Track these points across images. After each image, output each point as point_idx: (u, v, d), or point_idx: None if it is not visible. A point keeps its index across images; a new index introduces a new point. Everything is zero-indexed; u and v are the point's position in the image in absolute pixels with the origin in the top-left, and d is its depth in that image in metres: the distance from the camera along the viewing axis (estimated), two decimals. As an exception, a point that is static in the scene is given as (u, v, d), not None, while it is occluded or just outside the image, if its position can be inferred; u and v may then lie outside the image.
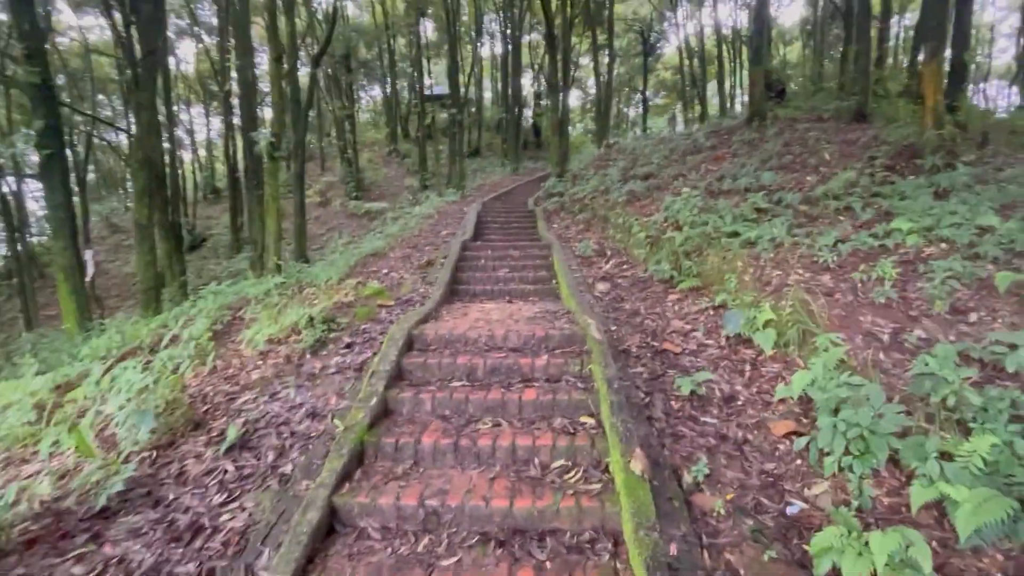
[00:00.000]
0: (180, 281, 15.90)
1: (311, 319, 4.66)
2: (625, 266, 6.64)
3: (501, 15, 28.08)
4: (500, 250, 7.66)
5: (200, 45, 22.90)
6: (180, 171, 25.85)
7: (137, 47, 9.21)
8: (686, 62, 27.74)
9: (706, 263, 5.32)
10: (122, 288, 22.45)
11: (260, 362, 4.38)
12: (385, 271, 7.38)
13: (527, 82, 34.79)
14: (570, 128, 33.07)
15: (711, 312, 4.65)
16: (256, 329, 4.79)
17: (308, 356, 4.32)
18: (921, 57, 9.12)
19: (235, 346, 4.82)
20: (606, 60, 21.30)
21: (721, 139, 11.16)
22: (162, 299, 10.76)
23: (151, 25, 8.68)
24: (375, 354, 4.11)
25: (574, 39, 21.62)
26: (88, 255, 9.58)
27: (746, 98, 28.77)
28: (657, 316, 4.81)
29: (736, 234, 5.55)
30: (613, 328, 4.55)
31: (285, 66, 9.36)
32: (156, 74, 9.33)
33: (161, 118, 14.69)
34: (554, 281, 6.31)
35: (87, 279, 9.34)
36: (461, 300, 5.87)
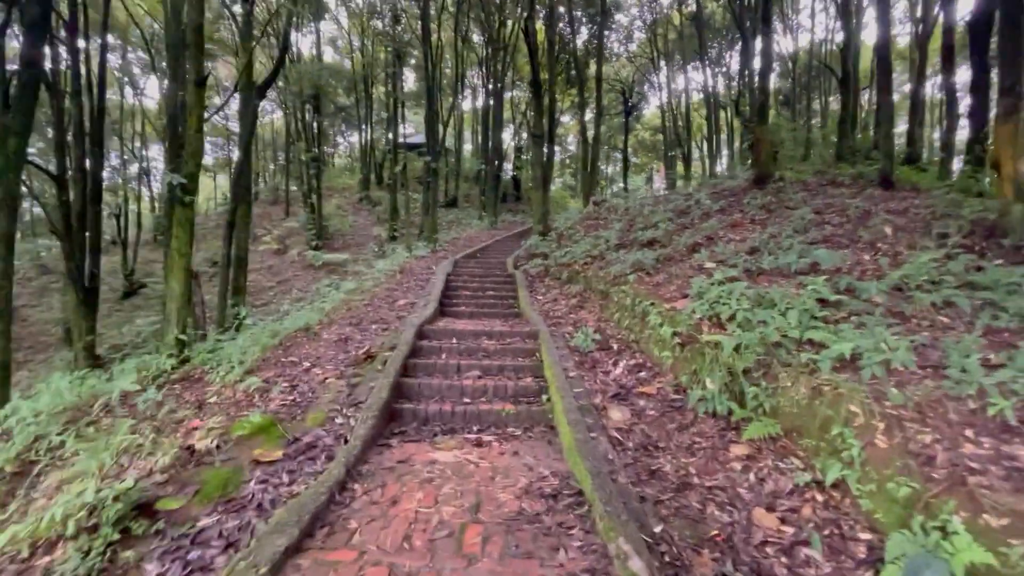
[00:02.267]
0: (86, 342, 13.25)
1: (94, 512, 2.43)
2: (643, 372, 4.74)
3: (483, 69, 27.56)
4: (469, 338, 5.68)
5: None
6: (125, 212, 23.46)
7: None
8: (668, 123, 27.51)
9: (782, 393, 3.46)
10: (37, 339, 19.48)
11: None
12: (306, 366, 5.29)
13: (507, 136, 34.31)
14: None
15: (821, 496, 2.74)
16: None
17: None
18: (993, 115, 7.90)
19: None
20: (588, 116, 20.54)
21: (729, 202, 9.73)
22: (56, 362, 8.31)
23: (34, 31, 6.84)
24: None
25: (557, 95, 20.88)
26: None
27: (725, 160, 28.60)
28: (725, 497, 2.85)
29: (817, 344, 3.75)
30: (658, 530, 2.56)
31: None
32: (36, 92, 7.40)
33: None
34: (545, 397, 4.35)
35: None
36: (403, 438, 3.78)
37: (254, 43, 11.77)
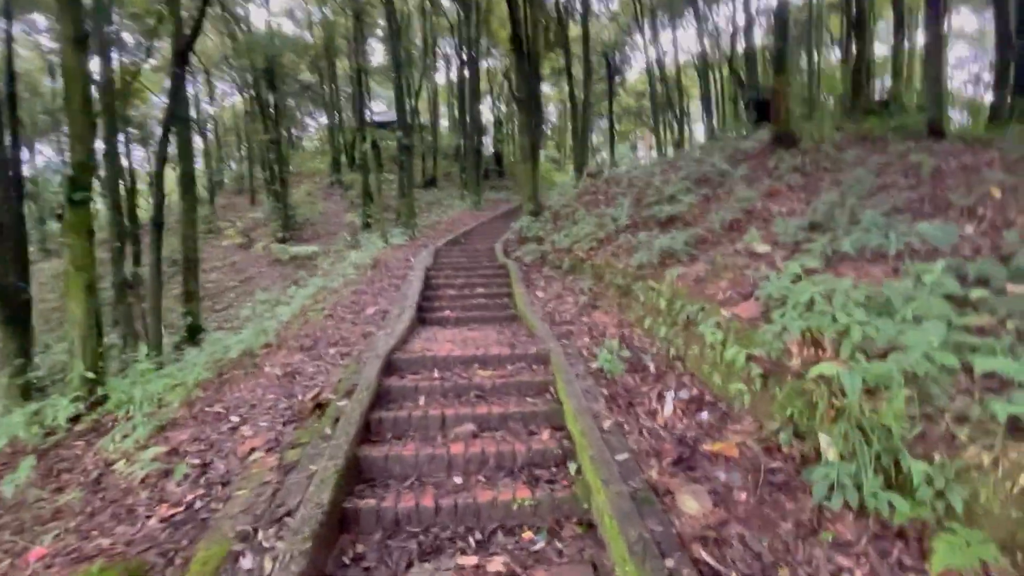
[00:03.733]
0: (14, 368, 11.58)
1: None
2: (705, 412, 3.35)
3: (456, 35, 25.40)
4: (456, 368, 4.17)
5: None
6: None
7: None
8: (656, 86, 25.73)
9: (980, 479, 2.09)
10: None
11: None
12: (233, 421, 3.81)
13: (485, 109, 32.24)
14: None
15: None
16: None
17: None
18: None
19: None
20: (569, 83, 18.72)
21: (751, 166, 8.29)
22: None
23: None
24: None
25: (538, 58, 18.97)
26: None
27: (703, 126, 26.91)
28: None
29: (992, 376, 2.39)
30: None
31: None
32: None
33: None
34: (572, 467, 2.95)
35: None
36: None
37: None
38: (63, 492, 3.76)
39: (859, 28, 13.56)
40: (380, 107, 40.92)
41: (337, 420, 3.30)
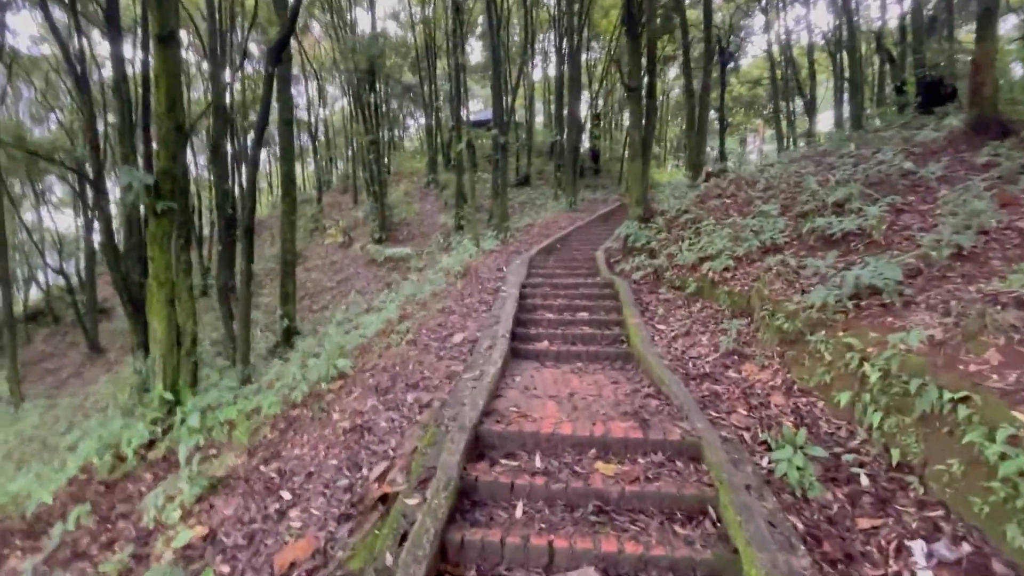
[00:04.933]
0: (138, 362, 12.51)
1: None
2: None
3: (555, 28, 24.26)
4: (564, 452, 2.98)
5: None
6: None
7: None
8: (779, 70, 22.56)
9: None
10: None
11: None
12: (284, 499, 3.03)
13: (583, 105, 30.71)
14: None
15: None
16: None
17: None
18: None
19: None
20: (686, 67, 16.65)
21: (945, 164, 6.22)
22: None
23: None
24: None
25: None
26: None
27: (843, 110, 23.03)
28: None
29: None
30: None
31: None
32: None
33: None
34: None
35: None
36: None
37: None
38: (110, 551, 3.22)
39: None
40: (477, 106, 41.03)
41: (403, 538, 2.33)
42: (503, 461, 2.96)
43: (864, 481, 2.71)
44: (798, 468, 2.69)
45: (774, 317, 4.29)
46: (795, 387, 3.71)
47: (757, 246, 5.84)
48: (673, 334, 5.29)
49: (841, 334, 3.50)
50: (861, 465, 2.81)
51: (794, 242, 5.61)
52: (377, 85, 18.58)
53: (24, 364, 18.77)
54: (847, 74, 18.45)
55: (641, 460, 2.91)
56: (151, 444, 5.13)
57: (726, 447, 2.96)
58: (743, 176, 9.09)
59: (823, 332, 3.68)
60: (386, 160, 32.01)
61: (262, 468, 3.56)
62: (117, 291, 11.95)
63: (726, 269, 5.89)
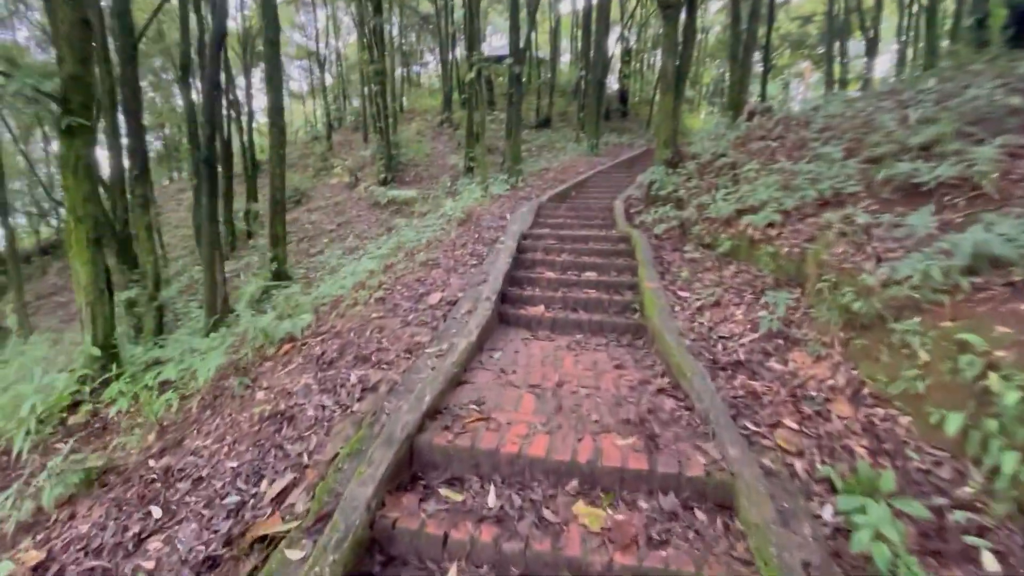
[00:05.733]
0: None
1: None
2: None
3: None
4: (533, 483, 2.08)
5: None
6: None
7: None
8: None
9: None
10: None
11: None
12: (152, 517, 2.21)
13: (611, 41, 27.92)
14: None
15: None
16: None
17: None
18: None
19: None
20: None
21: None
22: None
23: None
24: None
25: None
26: None
27: (907, 49, 20.19)
28: None
29: None
30: None
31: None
32: None
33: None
34: None
35: None
36: None
37: None
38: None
39: None
40: (501, 41, 38.10)
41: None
42: (442, 491, 2.06)
43: (989, 563, 1.74)
44: (887, 545, 1.73)
45: (838, 291, 3.20)
46: (865, 391, 2.69)
47: (814, 197, 4.64)
48: (699, 304, 4.24)
49: (949, 324, 2.43)
50: (981, 534, 1.84)
51: (862, 194, 4.40)
52: (383, 4, 16.76)
53: (38, 297, 18.73)
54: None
55: (644, 504, 1.98)
56: (76, 406, 4.43)
57: (770, 485, 2.01)
58: (793, 116, 7.63)
59: (917, 319, 2.60)
60: (402, 97, 30.15)
61: (151, 462, 2.77)
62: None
63: (771, 225, 4.74)
